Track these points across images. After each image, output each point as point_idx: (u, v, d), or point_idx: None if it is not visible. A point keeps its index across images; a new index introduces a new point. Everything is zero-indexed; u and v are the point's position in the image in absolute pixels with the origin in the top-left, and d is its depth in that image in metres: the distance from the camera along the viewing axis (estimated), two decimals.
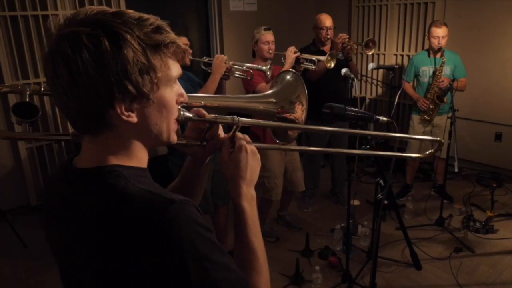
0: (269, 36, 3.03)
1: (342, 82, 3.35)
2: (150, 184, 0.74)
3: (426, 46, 3.94)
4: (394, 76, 3.86)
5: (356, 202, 3.43)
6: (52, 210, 0.81)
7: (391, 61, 4.87)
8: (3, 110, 3.57)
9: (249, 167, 0.89)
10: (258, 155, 0.92)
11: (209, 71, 2.79)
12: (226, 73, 2.63)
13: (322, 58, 3.03)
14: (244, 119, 0.92)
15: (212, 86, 2.57)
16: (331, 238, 3.27)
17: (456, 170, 3.09)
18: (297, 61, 2.99)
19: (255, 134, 2.96)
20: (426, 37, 3.71)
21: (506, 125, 4.23)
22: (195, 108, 0.90)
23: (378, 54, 4.97)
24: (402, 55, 4.79)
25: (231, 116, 0.91)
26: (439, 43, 3.45)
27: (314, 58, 3.04)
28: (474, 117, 4.41)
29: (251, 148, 0.91)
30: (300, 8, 5.26)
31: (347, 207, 2.64)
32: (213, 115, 0.90)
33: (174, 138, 0.81)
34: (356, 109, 1.71)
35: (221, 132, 0.95)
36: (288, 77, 1.10)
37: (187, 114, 0.86)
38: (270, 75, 2.79)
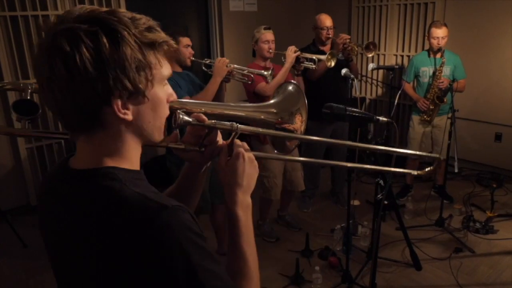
0: (269, 35, 3.03)
1: (342, 82, 3.35)
2: (145, 188, 0.74)
3: (426, 47, 3.94)
4: (394, 76, 3.86)
5: (356, 202, 3.43)
6: (48, 211, 0.82)
7: (391, 61, 4.87)
8: (2, 107, 3.57)
9: (246, 175, 0.89)
10: (255, 162, 0.92)
11: (209, 73, 2.79)
12: (227, 76, 2.63)
13: (323, 57, 3.03)
14: (243, 126, 0.92)
15: (212, 89, 2.57)
16: (331, 238, 3.27)
17: (456, 170, 3.08)
18: (297, 60, 2.99)
19: (257, 137, 2.96)
20: (426, 38, 3.71)
21: (506, 126, 4.23)
22: (195, 113, 0.90)
23: (378, 55, 4.97)
24: (402, 56, 4.79)
25: (230, 123, 0.90)
26: (438, 44, 3.45)
27: (314, 57, 3.04)
28: (474, 118, 4.41)
29: (249, 155, 0.91)
30: (300, 8, 5.26)
31: (347, 207, 2.64)
32: (212, 121, 0.90)
33: (162, 136, 0.82)
34: (356, 109, 1.71)
35: (219, 138, 0.95)
36: (290, 88, 1.11)
37: (186, 118, 0.86)
38: (270, 75, 2.79)
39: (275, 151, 1.12)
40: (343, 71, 2.93)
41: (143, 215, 0.67)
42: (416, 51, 4.59)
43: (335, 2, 5.26)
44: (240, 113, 1.02)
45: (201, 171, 1.00)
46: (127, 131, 0.75)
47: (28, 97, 1.82)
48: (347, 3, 5.19)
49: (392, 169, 1.46)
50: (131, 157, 0.78)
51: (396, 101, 3.77)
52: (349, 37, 3.32)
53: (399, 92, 3.83)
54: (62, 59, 0.66)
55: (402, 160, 4.02)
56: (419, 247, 3.02)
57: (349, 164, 1.24)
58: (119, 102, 0.70)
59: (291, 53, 2.96)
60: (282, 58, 3.04)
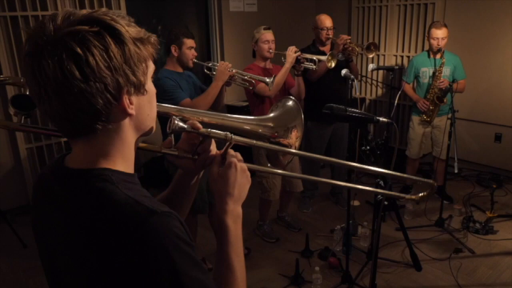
0: (269, 35, 3.03)
1: (342, 82, 3.35)
2: (137, 191, 0.74)
3: (426, 47, 3.94)
4: (394, 77, 3.86)
5: (356, 203, 3.43)
6: (40, 209, 0.82)
7: (391, 62, 4.87)
8: (1, 103, 3.56)
9: (238, 184, 0.89)
10: (248, 173, 0.92)
11: (211, 75, 2.80)
12: (229, 80, 2.63)
13: (323, 58, 3.04)
14: (237, 137, 0.92)
15: (213, 93, 2.57)
16: (331, 238, 3.27)
17: (456, 171, 3.08)
18: (297, 60, 2.99)
19: None
20: (426, 38, 3.71)
21: (506, 126, 4.23)
22: (191, 121, 0.91)
23: (378, 55, 4.96)
24: (402, 56, 4.80)
25: (225, 133, 0.91)
26: (438, 44, 3.46)
27: (314, 58, 3.04)
28: (474, 118, 4.41)
29: (241, 165, 0.91)
30: (300, 8, 5.26)
31: (347, 207, 2.64)
32: (207, 129, 0.91)
33: (154, 126, 0.84)
34: (357, 110, 1.71)
35: (213, 148, 0.95)
36: (289, 103, 1.12)
37: (181, 124, 0.87)
38: (271, 83, 2.78)
39: (268, 164, 1.13)
40: (343, 71, 2.93)
41: (131, 219, 0.68)
42: (416, 51, 4.59)
43: (335, 3, 5.27)
44: (237, 125, 1.03)
45: (193, 180, 1.01)
46: (129, 126, 0.77)
47: (27, 93, 1.83)
48: (347, 3, 5.20)
49: (391, 193, 1.48)
50: (126, 159, 0.78)
51: (396, 102, 3.77)
52: (350, 37, 3.32)
53: (399, 92, 3.83)
54: (75, 62, 0.66)
55: (402, 161, 4.03)
56: (419, 248, 3.02)
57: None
58: (127, 97, 0.72)
59: (292, 53, 2.95)
60: (282, 58, 3.04)
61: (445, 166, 3.58)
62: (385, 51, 4.91)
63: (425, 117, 3.67)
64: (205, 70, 2.87)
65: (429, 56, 3.62)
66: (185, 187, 1.01)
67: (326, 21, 3.42)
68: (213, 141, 0.94)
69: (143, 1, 4.32)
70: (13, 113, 1.54)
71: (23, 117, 1.56)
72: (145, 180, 4.06)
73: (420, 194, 1.48)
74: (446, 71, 3.56)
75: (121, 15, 0.74)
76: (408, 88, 3.77)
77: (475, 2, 4.18)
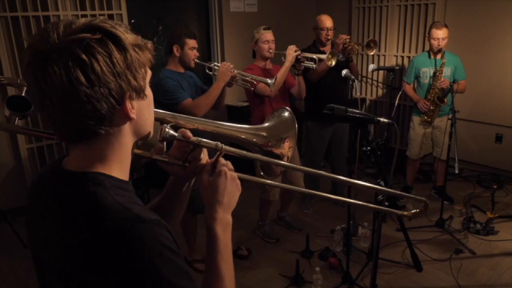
0: (268, 35, 3.02)
1: (342, 83, 3.35)
2: (129, 198, 0.75)
3: (427, 48, 3.94)
4: (394, 77, 3.86)
5: None
6: (34, 209, 0.83)
7: (391, 62, 4.87)
8: (2, 104, 3.57)
9: (227, 192, 0.90)
10: (238, 181, 0.93)
11: (212, 75, 2.80)
12: (230, 81, 2.63)
13: (323, 56, 3.04)
14: (228, 147, 0.93)
15: (215, 93, 2.57)
16: (331, 239, 3.27)
17: (456, 171, 3.08)
18: (298, 60, 2.99)
19: None
20: (426, 39, 3.71)
21: (506, 127, 4.23)
22: (182, 129, 0.92)
23: (378, 55, 4.97)
24: (402, 56, 4.79)
25: (216, 142, 0.92)
26: (439, 45, 3.46)
27: (314, 57, 3.04)
28: (474, 119, 4.41)
29: (231, 174, 0.92)
30: (300, 9, 5.26)
31: (347, 208, 2.64)
32: (197, 138, 0.92)
33: (153, 130, 0.85)
34: (357, 111, 1.71)
35: (204, 156, 0.96)
36: (285, 114, 1.13)
37: (172, 132, 0.88)
38: (273, 84, 2.78)
39: (262, 173, 1.14)
40: (344, 72, 2.93)
41: (118, 225, 0.68)
42: (416, 52, 4.59)
43: (336, 3, 5.27)
44: (230, 133, 1.04)
45: (184, 186, 1.02)
46: (129, 130, 0.78)
47: (23, 94, 1.83)
48: (347, 3, 5.20)
49: (383, 208, 1.50)
50: (121, 165, 0.79)
51: (396, 102, 3.77)
52: (349, 37, 3.32)
53: (400, 93, 3.83)
54: (80, 68, 0.67)
55: (403, 161, 4.03)
56: (420, 248, 3.02)
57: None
58: (129, 102, 0.74)
59: (291, 52, 2.95)
60: (282, 58, 3.04)
61: (446, 167, 3.58)
62: (385, 51, 4.91)
63: (425, 118, 3.67)
64: (207, 71, 2.88)
65: (429, 57, 3.62)
66: (177, 193, 1.02)
67: (327, 21, 3.42)
68: (204, 149, 0.95)
69: (144, 2, 4.32)
70: (8, 114, 1.54)
71: (17, 118, 1.56)
72: (145, 180, 4.06)
73: (413, 211, 1.51)
74: (446, 71, 3.56)
75: (118, 23, 0.76)
76: (408, 88, 3.77)
77: (475, 3, 4.18)
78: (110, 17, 3.82)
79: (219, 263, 0.86)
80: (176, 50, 2.59)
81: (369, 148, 1.85)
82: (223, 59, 4.68)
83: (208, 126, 1.02)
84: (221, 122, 1.04)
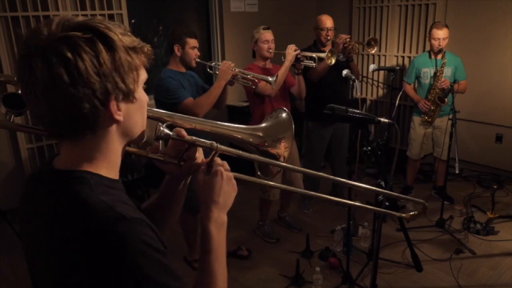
0: (268, 35, 3.02)
1: (342, 83, 3.35)
2: (115, 197, 0.75)
3: (427, 48, 3.94)
4: (395, 77, 3.86)
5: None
6: (26, 208, 0.83)
7: (392, 62, 4.87)
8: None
9: (223, 192, 0.91)
10: (234, 181, 0.93)
11: (213, 74, 2.79)
12: (232, 80, 2.63)
13: (323, 55, 3.04)
14: (223, 146, 0.94)
15: (216, 92, 2.57)
16: (331, 239, 3.27)
17: (456, 171, 3.08)
18: (297, 59, 2.99)
19: None
20: (427, 39, 3.71)
21: (506, 127, 4.23)
22: (177, 128, 0.92)
23: (379, 56, 4.97)
24: (403, 57, 4.79)
25: (211, 142, 0.92)
26: (439, 45, 3.46)
27: (314, 56, 3.04)
28: (475, 119, 4.41)
29: (227, 174, 0.92)
30: (301, 9, 5.26)
31: (348, 208, 2.64)
32: (192, 137, 0.92)
33: (144, 135, 0.85)
34: (358, 111, 1.71)
35: (200, 155, 0.96)
36: (283, 115, 1.14)
37: (167, 131, 0.88)
38: (274, 82, 2.78)
39: (258, 173, 1.14)
40: (344, 72, 2.93)
41: (100, 224, 0.68)
42: (417, 52, 4.59)
43: (336, 3, 5.27)
44: (226, 132, 1.05)
45: (180, 185, 1.02)
46: (116, 132, 0.78)
47: (20, 91, 1.82)
48: (348, 3, 5.19)
49: (381, 209, 1.50)
50: (110, 164, 0.79)
51: (397, 102, 3.77)
52: (349, 36, 3.32)
53: (400, 93, 3.83)
54: (64, 66, 0.67)
55: (403, 161, 4.02)
56: (420, 248, 3.02)
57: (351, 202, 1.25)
58: (115, 104, 0.73)
59: (291, 51, 2.95)
60: (282, 57, 3.04)
61: (446, 167, 3.58)
62: (386, 51, 4.91)
63: (426, 118, 3.67)
64: (208, 70, 2.88)
65: (430, 57, 3.62)
66: (173, 192, 1.03)
67: (327, 21, 3.42)
68: (200, 148, 0.96)
69: (144, 2, 4.32)
70: (4, 112, 1.54)
71: (13, 116, 1.56)
72: (145, 180, 4.07)
73: (411, 213, 1.52)
74: (447, 71, 3.56)
75: (117, 24, 0.76)
76: (409, 88, 3.77)
77: (476, 3, 4.18)
78: (111, 17, 3.82)
79: (212, 263, 0.86)
80: (177, 49, 2.59)
81: (369, 148, 1.85)
82: (223, 59, 4.68)
83: (206, 125, 1.03)
84: (219, 122, 1.05)
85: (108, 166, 0.79)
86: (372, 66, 3.83)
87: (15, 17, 3.45)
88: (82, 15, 3.66)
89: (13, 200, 3.67)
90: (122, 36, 0.73)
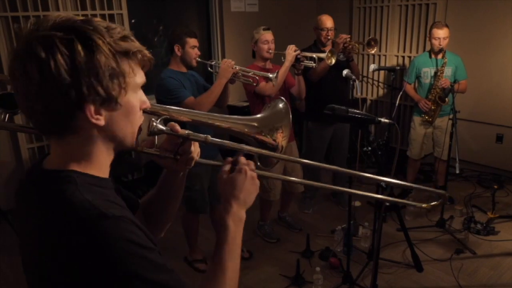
0: (268, 35, 3.02)
1: (343, 83, 3.35)
2: (101, 195, 0.74)
3: (428, 48, 3.94)
4: (395, 77, 3.86)
5: (357, 203, 3.43)
6: (19, 208, 0.84)
7: (392, 62, 4.87)
8: None
9: (245, 190, 0.92)
10: (257, 181, 0.95)
11: (214, 73, 2.79)
12: (232, 78, 2.63)
13: (323, 55, 3.03)
14: (215, 139, 0.94)
15: (217, 90, 2.57)
16: (331, 239, 3.27)
17: (457, 171, 3.08)
18: (297, 59, 2.99)
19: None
20: (427, 39, 3.70)
21: (507, 127, 4.22)
22: (171, 122, 0.92)
23: (379, 55, 4.97)
24: (403, 56, 4.79)
25: (205, 136, 0.93)
26: (440, 44, 3.45)
27: (314, 56, 3.04)
28: (475, 119, 4.41)
29: (251, 174, 0.94)
30: (301, 9, 5.26)
31: (348, 208, 2.64)
32: (186, 131, 0.92)
33: (134, 143, 0.83)
34: (358, 111, 1.71)
35: (195, 148, 0.97)
36: (279, 105, 1.14)
37: (160, 126, 0.88)
38: (275, 79, 2.78)
39: (258, 163, 1.14)
40: (345, 72, 2.93)
41: (81, 222, 0.68)
42: (417, 52, 4.59)
43: (336, 3, 5.26)
44: (221, 124, 1.05)
45: (177, 178, 1.02)
46: (99, 136, 0.77)
47: (13, 91, 1.82)
48: (348, 3, 5.19)
49: (399, 200, 1.49)
50: (99, 163, 0.79)
51: (397, 102, 3.77)
52: (349, 36, 3.32)
53: (400, 93, 3.83)
54: (37, 65, 0.68)
55: (403, 161, 4.02)
56: (420, 248, 3.02)
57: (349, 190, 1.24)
58: (92, 108, 0.72)
59: (291, 51, 2.95)
60: (282, 58, 3.04)
61: (446, 167, 3.58)
62: (386, 51, 4.91)
63: (426, 117, 3.67)
64: (209, 69, 2.88)
65: (430, 57, 3.62)
66: (171, 185, 1.03)
67: (327, 21, 3.42)
68: (195, 142, 0.96)
69: (144, 2, 4.32)
70: None
71: (7, 115, 1.56)
72: (145, 180, 4.07)
73: (432, 203, 1.47)
74: (447, 71, 3.56)
75: (117, 27, 0.74)
76: (409, 88, 3.77)
77: (476, 3, 4.18)
78: (111, 16, 3.82)
79: (224, 255, 0.86)
80: (177, 49, 2.59)
81: (369, 148, 1.85)
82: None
83: (201, 117, 1.03)
84: (211, 113, 1.05)
85: (96, 166, 0.79)
86: (372, 66, 3.83)
87: (15, 17, 3.45)
88: (82, 15, 3.66)
89: (14, 200, 3.70)
90: (110, 39, 0.71)
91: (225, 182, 0.93)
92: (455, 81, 3.33)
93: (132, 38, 0.76)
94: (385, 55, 4.92)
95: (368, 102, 5.22)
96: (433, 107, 3.59)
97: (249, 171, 0.93)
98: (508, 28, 4.01)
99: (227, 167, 0.95)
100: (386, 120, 1.67)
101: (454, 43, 3.84)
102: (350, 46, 3.31)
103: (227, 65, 2.59)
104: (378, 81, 4.96)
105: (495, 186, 3.59)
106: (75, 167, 0.76)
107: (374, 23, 4.97)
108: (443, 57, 3.50)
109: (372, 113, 5.11)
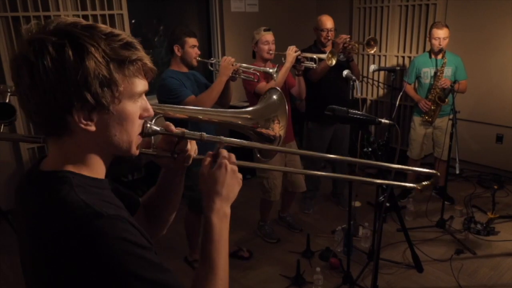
0: (268, 36, 3.02)
1: (343, 83, 3.35)
2: (96, 195, 0.74)
3: (428, 48, 3.94)
4: (395, 77, 3.85)
5: (357, 204, 3.43)
6: (17, 209, 0.85)
7: (392, 62, 4.87)
8: None
9: (227, 184, 0.91)
10: (239, 175, 0.93)
11: (215, 71, 2.79)
12: (233, 75, 2.63)
13: (323, 56, 3.04)
14: (210, 136, 0.94)
15: (218, 88, 2.57)
16: (332, 239, 3.27)
17: (457, 171, 3.08)
18: (298, 60, 2.99)
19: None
20: (427, 39, 3.70)
21: (507, 127, 4.22)
22: (166, 122, 0.92)
23: (379, 56, 4.97)
24: (403, 57, 4.79)
25: (200, 133, 0.93)
26: (440, 45, 3.46)
27: (315, 57, 3.04)
28: (475, 119, 4.41)
29: (232, 167, 0.92)
30: (301, 9, 5.26)
31: (348, 208, 2.64)
32: (181, 130, 0.92)
33: (135, 151, 0.83)
34: (358, 112, 1.71)
35: (192, 146, 0.97)
36: (274, 96, 1.14)
37: (154, 127, 0.88)
38: (276, 74, 2.78)
39: (258, 155, 1.15)
40: (345, 72, 2.93)
41: (75, 222, 0.68)
42: (417, 52, 4.59)
43: (336, 3, 5.26)
44: (216, 118, 1.06)
45: (176, 176, 1.03)
46: (92, 140, 0.77)
47: (7, 100, 1.84)
48: (348, 4, 5.19)
49: (393, 182, 1.48)
50: (94, 165, 0.79)
51: (397, 102, 3.76)
52: (349, 36, 3.32)
53: (401, 93, 3.83)
54: (28, 68, 0.69)
55: (403, 162, 4.02)
56: (420, 249, 3.02)
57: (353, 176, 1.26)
58: (81, 113, 0.72)
59: (292, 52, 2.95)
60: (283, 58, 3.04)
61: (447, 167, 3.57)
62: (386, 51, 4.91)
63: (426, 118, 3.67)
64: (209, 67, 2.88)
65: (430, 57, 3.62)
66: (170, 183, 1.03)
67: (327, 22, 3.42)
68: (193, 140, 0.96)
69: (144, 2, 4.32)
70: None
71: (2, 125, 1.56)
72: (145, 180, 4.07)
73: (424, 183, 1.49)
74: (447, 71, 3.56)
75: (116, 33, 0.74)
76: (409, 88, 3.77)
77: (476, 3, 4.18)
78: (111, 17, 3.82)
79: (212, 253, 0.86)
80: (177, 49, 2.60)
81: (370, 149, 1.85)
82: None
83: (194, 113, 1.05)
84: (206, 109, 1.06)
85: (91, 168, 0.79)
86: (372, 67, 3.82)
87: (15, 17, 3.45)
88: (83, 15, 3.67)
89: (14, 200, 3.70)
90: (110, 47, 0.71)
91: (206, 179, 0.91)
92: (455, 81, 3.33)
93: (137, 46, 0.76)
94: (385, 56, 4.93)
95: (368, 102, 5.22)
96: (433, 107, 3.59)
97: (229, 164, 0.92)
98: (508, 28, 4.01)
99: (207, 161, 0.94)
100: (387, 121, 1.67)
101: (454, 43, 3.84)
102: (350, 46, 3.31)
103: (227, 63, 2.59)
104: (378, 82, 4.96)
105: (495, 186, 3.58)
106: (71, 168, 0.77)
107: (374, 23, 4.97)
108: (443, 57, 3.51)
109: (372, 113, 5.11)
